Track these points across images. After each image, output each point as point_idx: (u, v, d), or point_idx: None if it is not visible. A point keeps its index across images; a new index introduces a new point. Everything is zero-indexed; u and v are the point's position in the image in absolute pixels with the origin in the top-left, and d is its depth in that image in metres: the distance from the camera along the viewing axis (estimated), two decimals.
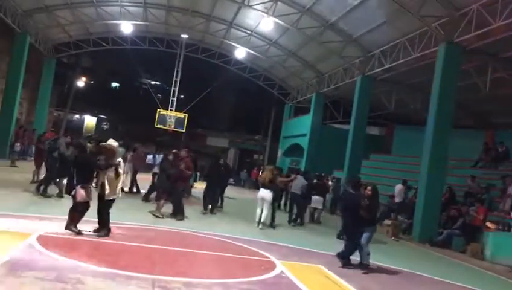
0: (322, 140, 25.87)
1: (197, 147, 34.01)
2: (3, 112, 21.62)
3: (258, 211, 11.72)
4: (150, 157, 17.92)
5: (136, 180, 14.95)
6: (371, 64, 19.61)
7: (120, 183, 7.85)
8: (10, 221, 7.68)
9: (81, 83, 39.45)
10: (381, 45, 18.67)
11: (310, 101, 27.19)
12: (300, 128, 27.92)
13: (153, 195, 12.92)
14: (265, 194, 11.63)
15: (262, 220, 11.59)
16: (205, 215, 12.43)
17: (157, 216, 10.57)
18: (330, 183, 20.47)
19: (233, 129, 43.72)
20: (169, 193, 11.08)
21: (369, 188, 8.26)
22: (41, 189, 11.16)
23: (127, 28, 25.30)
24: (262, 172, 16.44)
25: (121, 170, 7.73)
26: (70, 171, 11.09)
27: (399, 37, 17.12)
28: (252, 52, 26.46)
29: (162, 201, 10.89)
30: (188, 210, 11.57)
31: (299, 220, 13.43)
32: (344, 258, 7.99)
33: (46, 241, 6.58)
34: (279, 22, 20.41)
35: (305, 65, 25.41)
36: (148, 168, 16.89)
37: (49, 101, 28.67)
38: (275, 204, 12.36)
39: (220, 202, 14.48)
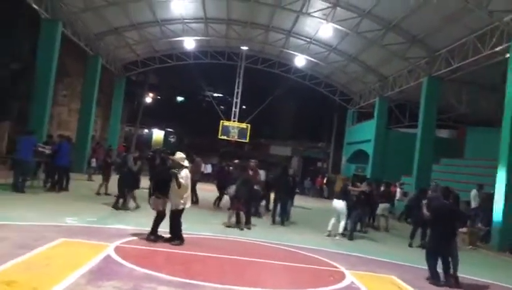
0: (387, 145, 25.18)
1: (260, 156, 34.25)
2: (79, 130, 23.17)
3: (332, 220, 11.56)
4: (208, 167, 18.34)
5: (195, 191, 15.31)
6: (438, 64, 18.81)
7: (186, 193, 8.04)
8: (88, 232, 8.17)
9: (148, 99, 41.27)
10: (447, 44, 17.89)
11: (373, 106, 26.58)
12: (365, 133, 27.32)
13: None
14: (338, 204, 11.50)
15: (339, 231, 11.38)
16: (273, 225, 12.46)
17: (241, 229, 10.83)
18: (398, 189, 19.82)
19: (295, 137, 43.64)
20: (247, 202, 11.32)
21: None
22: (120, 202, 11.75)
23: (189, 44, 26.24)
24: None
25: (182, 180, 7.88)
26: (138, 184, 11.75)
27: (467, 34, 16.32)
28: (312, 59, 26.37)
29: (233, 211, 11.17)
30: (254, 220, 11.70)
31: (360, 228, 13.08)
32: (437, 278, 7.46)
33: (122, 252, 6.91)
34: (339, 27, 20.19)
35: (367, 69, 24.90)
36: (205, 178, 17.29)
37: (121, 118, 30.36)
38: (353, 214, 11.87)
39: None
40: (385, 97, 25.08)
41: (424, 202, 9.85)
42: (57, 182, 13.83)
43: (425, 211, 8.69)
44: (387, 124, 26.31)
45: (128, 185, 11.73)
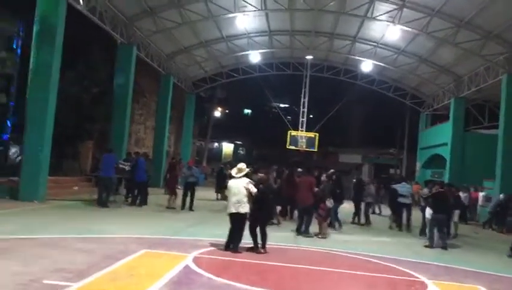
0: (466, 148, 23.79)
1: (330, 165, 33.79)
2: (155, 146, 24.34)
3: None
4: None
5: None
6: None
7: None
8: (167, 244, 8.53)
9: (217, 113, 42.49)
10: None
11: (448, 108, 25.30)
12: (440, 137, 26.04)
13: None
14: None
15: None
16: (347, 234, 12.24)
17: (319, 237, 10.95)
18: (480, 195, 18.71)
19: (365, 144, 42.65)
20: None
21: None
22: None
23: (255, 57, 26.73)
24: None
25: (252, 189, 8.25)
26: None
27: None
28: (379, 63, 25.74)
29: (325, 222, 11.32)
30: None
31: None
32: None
33: (200, 262, 7.13)
34: (407, 28, 19.56)
35: (439, 70, 23.83)
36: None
37: (192, 133, 31.45)
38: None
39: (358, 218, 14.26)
40: (461, 98, 23.80)
41: None
42: (137, 197, 14.64)
43: None
44: (464, 125, 24.88)
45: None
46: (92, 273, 5.80)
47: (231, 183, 8.47)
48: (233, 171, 8.61)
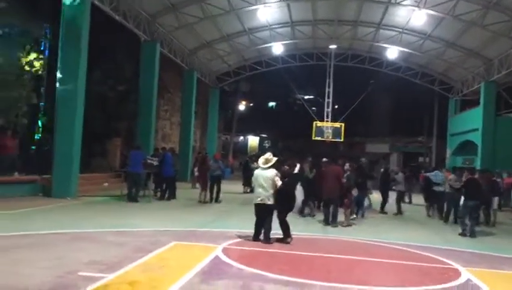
0: (497, 133, 23.11)
1: (356, 155, 33.42)
2: (182, 141, 24.61)
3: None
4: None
5: None
6: None
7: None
8: (197, 236, 8.62)
9: (242, 106, 42.54)
10: None
11: (478, 92, 24.60)
12: (471, 123, 25.37)
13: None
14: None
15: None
16: (376, 224, 12.12)
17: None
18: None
19: (393, 133, 41.97)
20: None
21: None
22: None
23: (277, 48, 26.57)
24: None
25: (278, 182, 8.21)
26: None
27: None
28: (405, 50, 25.19)
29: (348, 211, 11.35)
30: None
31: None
32: None
33: (230, 252, 7.19)
34: (432, 12, 19.09)
35: (467, 54, 23.15)
36: None
37: (217, 127, 31.61)
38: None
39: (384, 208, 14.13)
40: (491, 81, 23.09)
41: None
42: (165, 191, 14.85)
43: None
44: (496, 110, 24.15)
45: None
46: (125, 265, 5.93)
47: (258, 173, 8.40)
48: (260, 161, 8.52)
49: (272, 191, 8.15)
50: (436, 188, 13.73)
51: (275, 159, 8.49)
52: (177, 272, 5.76)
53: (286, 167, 9.45)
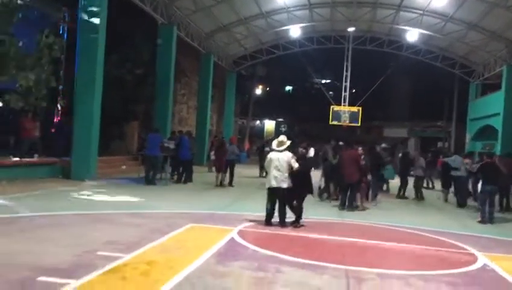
0: None
1: (374, 139, 33.13)
2: (198, 125, 24.72)
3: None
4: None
5: None
6: None
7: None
8: (213, 218, 8.73)
9: (258, 91, 42.41)
10: None
11: (500, 76, 24.01)
12: (492, 107, 24.84)
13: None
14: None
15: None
16: (391, 208, 12.09)
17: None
18: None
19: (411, 117, 41.44)
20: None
21: None
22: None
23: (295, 31, 26.28)
24: None
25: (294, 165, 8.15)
26: None
27: None
28: (426, 32, 24.61)
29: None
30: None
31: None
32: None
33: (245, 235, 7.27)
34: None
35: (490, 36, 22.54)
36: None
37: (234, 111, 31.61)
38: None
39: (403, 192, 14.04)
40: None
41: None
42: (182, 174, 14.99)
43: None
44: None
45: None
46: (142, 246, 6.04)
47: (272, 156, 8.29)
48: (274, 144, 8.45)
49: (287, 174, 8.10)
50: (454, 173, 13.55)
51: (289, 142, 8.39)
52: (194, 253, 5.85)
53: (302, 150, 9.41)
